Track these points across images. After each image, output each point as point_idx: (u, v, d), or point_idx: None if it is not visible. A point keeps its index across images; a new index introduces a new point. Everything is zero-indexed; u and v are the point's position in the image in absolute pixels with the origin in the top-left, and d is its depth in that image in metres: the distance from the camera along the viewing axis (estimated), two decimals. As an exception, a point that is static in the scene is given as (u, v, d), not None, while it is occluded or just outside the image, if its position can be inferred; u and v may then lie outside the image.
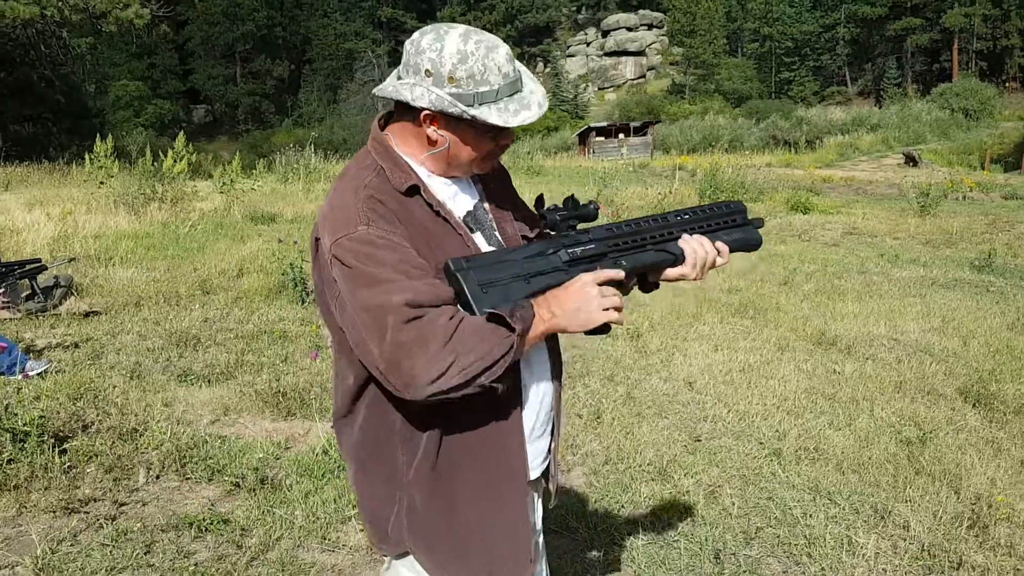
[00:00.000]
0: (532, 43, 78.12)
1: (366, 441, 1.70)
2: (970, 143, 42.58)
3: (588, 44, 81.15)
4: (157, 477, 3.84)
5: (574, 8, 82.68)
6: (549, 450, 1.87)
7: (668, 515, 3.67)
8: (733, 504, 3.79)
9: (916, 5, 62.48)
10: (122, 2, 27.17)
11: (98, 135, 15.53)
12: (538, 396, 1.78)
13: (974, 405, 5.23)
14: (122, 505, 3.60)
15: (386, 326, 1.47)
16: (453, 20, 73.23)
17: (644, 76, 79.24)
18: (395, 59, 71.52)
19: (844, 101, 63.42)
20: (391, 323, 1.47)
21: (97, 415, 4.43)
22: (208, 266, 8.69)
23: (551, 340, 1.80)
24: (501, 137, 1.67)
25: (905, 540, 3.54)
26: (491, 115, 1.58)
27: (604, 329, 1.62)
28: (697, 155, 36.09)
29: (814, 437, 4.59)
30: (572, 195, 1.72)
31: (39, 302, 6.91)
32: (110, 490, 3.71)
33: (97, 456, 3.95)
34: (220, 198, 14.21)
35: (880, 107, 56.34)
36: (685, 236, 1.79)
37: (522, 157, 28.46)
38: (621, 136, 46.24)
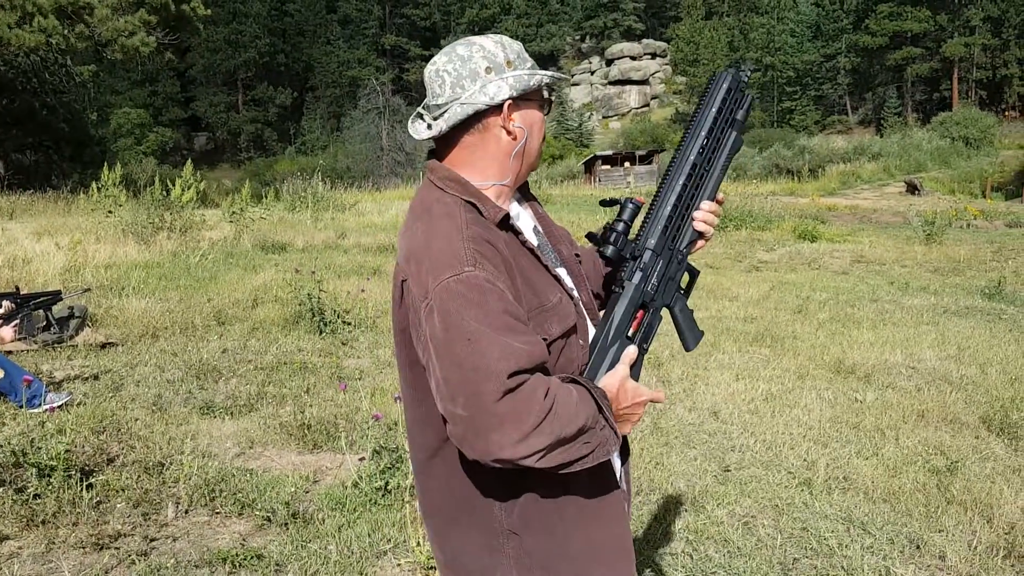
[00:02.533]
0: (536, 72, 78.75)
1: (457, 491, 1.64)
2: (971, 171, 42.73)
3: (592, 73, 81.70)
4: (186, 511, 3.82)
5: (578, 37, 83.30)
6: (623, 468, 1.85)
7: (704, 547, 3.64)
8: (768, 535, 3.77)
9: (916, 35, 62.89)
10: (128, 30, 27.31)
11: (105, 164, 15.60)
12: None
13: (998, 434, 5.21)
14: (152, 540, 3.57)
15: (480, 392, 1.42)
16: (455, 48, 73.94)
17: (648, 105, 79.69)
18: (399, 87, 72.45)
19: (845, 130, 63.71)
20: (487, 391, 1.41)
21: (121, 448, 4.41)
22: (222, 296, 8.69)
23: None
24: (545, 110, 1.74)
25: (943, 571, 3.51)
26: (553, 74, 1.69)
27: None
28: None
29: (843, 467, 4.57)
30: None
31: (55, 333, 6.90)
32: (139, 525, 3.68)
33: (124, 490, 3.92)
34: (229, 227, 14.25)
35: (881, 136, 56.55)
36: (696, 213, 1.81)
37: (529, 185, 28.46)
38: (627, 164, 46.47)
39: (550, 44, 78.26)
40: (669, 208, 1.79)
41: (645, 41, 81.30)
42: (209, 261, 11.32)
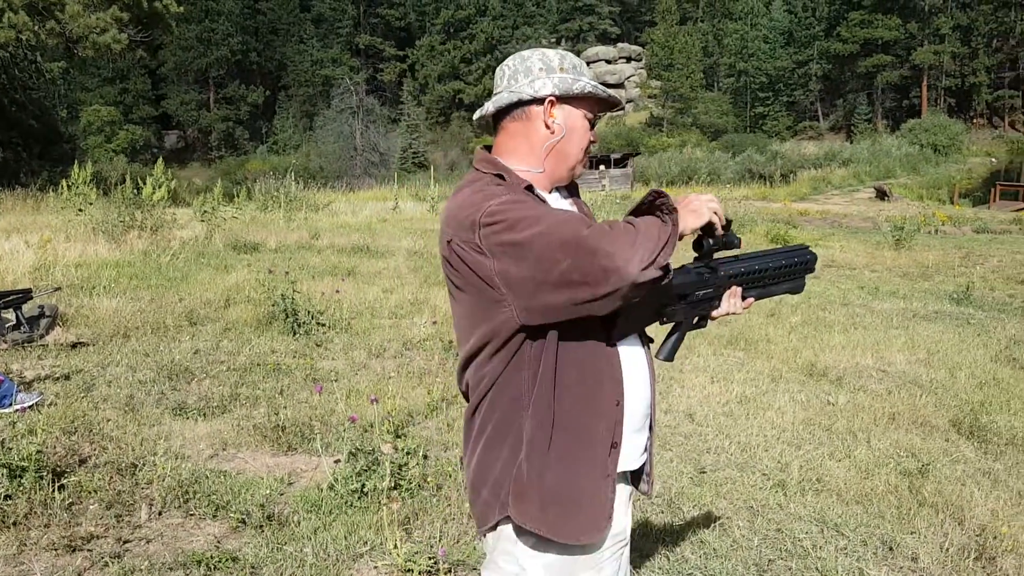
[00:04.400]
0: (510, 74, 78.72)
1: (494, 416, 1.84)
2: (939, 178, 43.38)
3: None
4: (160, 513, 3.78)
5: (554, 40, 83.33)
6: (646, 448, 2.01)
7: (681, 548, 3.66)
8: (743, 536, 3.79)
9: (887, 43, 63.67)
10: (99, 27, 26.99)
11: (76, 161, 15.38)
12: (638, 392, 1.93)
13: (968, 437, 5.28)
14: (126, 542, 3.53)
15: (569, 237, 1.62)
16: (433, 48, 73.54)
17: (623, 108, 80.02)
18: (373, 86, 72.26)
19: (816, 136, 64.40)
20: (575, 233, 1.63)
21: (93, 449, 4.36)
22: (194, 296, 8.61)
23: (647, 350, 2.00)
24: (592, 124, 1.95)
25: (915, 573, 3.55)
26: (597, 90, 1.90)
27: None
28: (676, 187, 36.46)
29: (816, 468, 4.61)
30: (730, 220, 1.91)
31: (24, 332, 6.81)
32: (112, 527, 3.64)
33: (96, 492, 3.87)
34: (200, 226, 14.12)
35: (851, 142, 57.23)
36: (730, 290, 2.01)
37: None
38: (602, 168, 46.53)
39: (526, 46, 78.28)
40: (752, 267, 2.04)
41: (620, 45, 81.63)
42: (180, 260, 11.22)
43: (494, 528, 1.89)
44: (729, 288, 2.00)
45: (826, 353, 7.27)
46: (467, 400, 1.98)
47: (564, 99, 1.89)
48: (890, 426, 5.41)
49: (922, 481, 4.45)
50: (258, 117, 76.47)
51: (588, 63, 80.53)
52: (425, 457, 4.54)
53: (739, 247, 1.94)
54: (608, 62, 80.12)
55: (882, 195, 32.90)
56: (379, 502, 3.80)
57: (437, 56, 73.97)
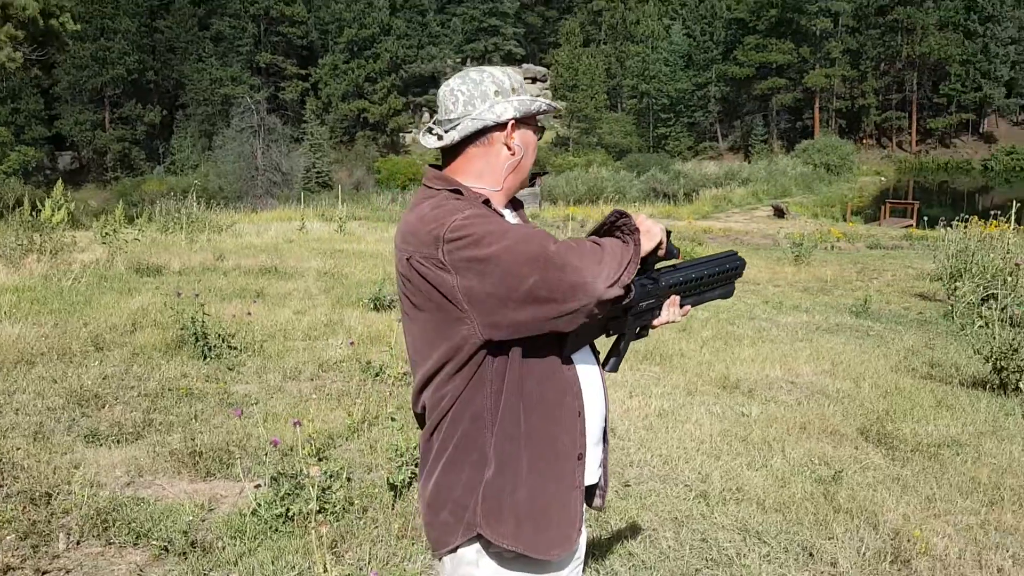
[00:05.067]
0: (418, 93, 78.38)
1: (455, 436, 1.84)
2: (832, 196, 45.12)
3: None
4: (78, 542, 3.64)
5: (459, 60, 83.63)
6: (602, 462, 2.06)
7: (610, 561, 3.70)
8: (670, 547, 3.86)
9: (781, 66, 66.00)
10: (-7, 46, 26.00)
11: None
12: (595, 404, 1.98)
13: (876, 444, 5.49)
14: (44, 573, 3.39)
15: (537, 254, 1.66)
16: (336, 67, 72.84)
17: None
18: (275, 105, 71.18)
19: (716, 156, 66.16)
20: (542, 249, 1.67)
21: (4, 479, 4.17)
22: (99, 320, 8.31)
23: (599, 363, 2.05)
24: (538, 134, 2.04)
25: (835, 576, 3.67)
26: (552, 107, 1.99)
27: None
28: (584, 206, 36.93)
29: (735, 478, 4.73)
30: (669, 231, 2.01)
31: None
32: (29, 557, 3.49)
33: (11, 522, 3.71)
34: (101, 249, 13.65)
35: (749, 162, 58.99)
36: (670, 299, 2.07)
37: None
38: (506, 187, 46.87)
39: (431, 66, 78.24)
40: (690, 275, 2.12)
41: (525, 66, 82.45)
42: (83, 284, 10.82)
43: (453, 551, 1.88)
44: (669, 297, 2.05)
45: (737, 366, 7.47)
46: (421, 423, 1.97)
47: (521, 120, 1.95)
48: (802, 435, 5.58)
49: (836, 488, 4.61)
50: (155, 137, 74.37)
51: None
52: (349, 480, 4.49)
53: (678, 257, 2.04)
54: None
55: (780, 213, 33.97)
56: (305, 526, 3.74)
57: (341, 75, 73.28)
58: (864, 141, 67.89)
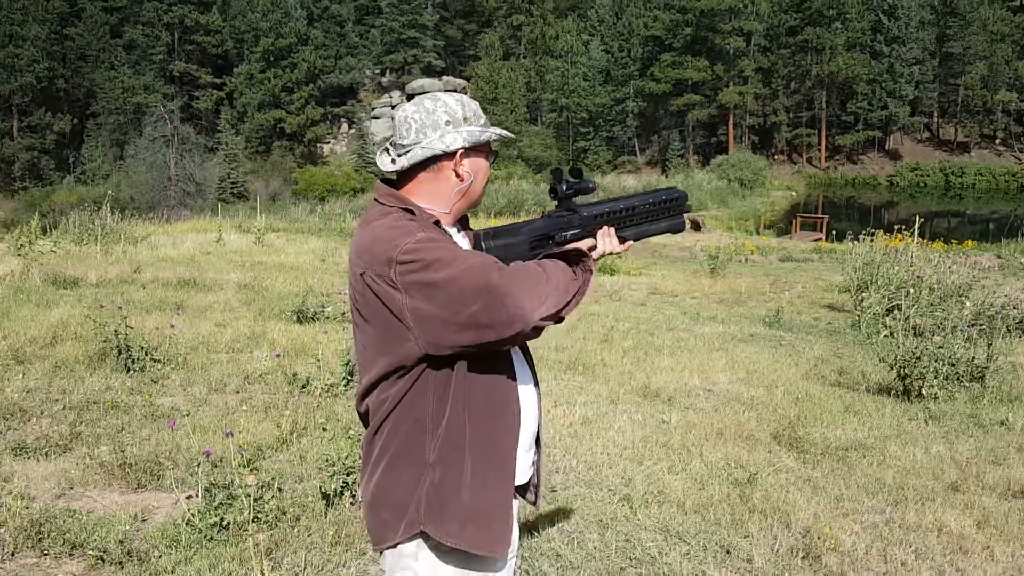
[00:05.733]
0: (336, 103, 77.73)
1: (397, 438, 1.95)
2: (746, 210, 46.39)
3: (393, 107, 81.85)
4: (12, 554, 3.62)
5: (378, 71, 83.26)
6: (533, 462, 2.20)
7: (539, 562, 3.84)
8: (596, 548, 4.02)
9: (696, 83, 67.54)
10: None
11: None
12: (531, 410, 2.10)
13: (788, 448, 5.77)
14: (-25, 587, 3.38)
15: (482, 283, 1.77)
16: (252, 76, 71.76)
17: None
18: (189, 114, 69.77)
19: (634, 170, 67.22)
20: (487, 278, 1.78)
21: (-73, 494, 4.11)
22: (17, 334, 8.13)
23: (534, 375, 2.15)
24: (490, 159, 2.13)
25: (751, 573, 3.88)
26: (501, 132, 2.09)
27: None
28: (504, 217, 37.17)
29: (657, 482, 4.93)
30: (579, 168, 2.13)
31: None
32: (-42, 572, 3.47)
33: (-61, 536, 3.68)
34: (15, 261, 13.28)
35: (666, 176, 60.10)
36: (603, 230, 2.16)
37: (334, 219, 28.21)
38: (428, 200, 46.86)
39: (349, 77, 77.70)
40: (617, 207, 2.18)
41: (445, 78, 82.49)
42: (-4, 297, 10.54)
43: (393, 547, 2.00)
44: (599, 228, 2.16)
45: (657, 375, 7.71)
46: (365, 423, 2.08)
47: (472, 148, 2.05)
48: (719, 440, 5.82)
49: (751, 489, 4.84)
50: (65, 146, 72.11)
51: (413, 95, 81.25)
52: (280, 490, 4.54)
53: (594, 191, 2.16)
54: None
55: (696, 226, 34.75)
56: (240, 535, 3.79)
57: (257, 84, 72.20)
58: (776, 157, 69.91)
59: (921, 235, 14.16)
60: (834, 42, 66.12)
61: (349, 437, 4.56)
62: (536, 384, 2.18)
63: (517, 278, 1.82)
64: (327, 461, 4.49)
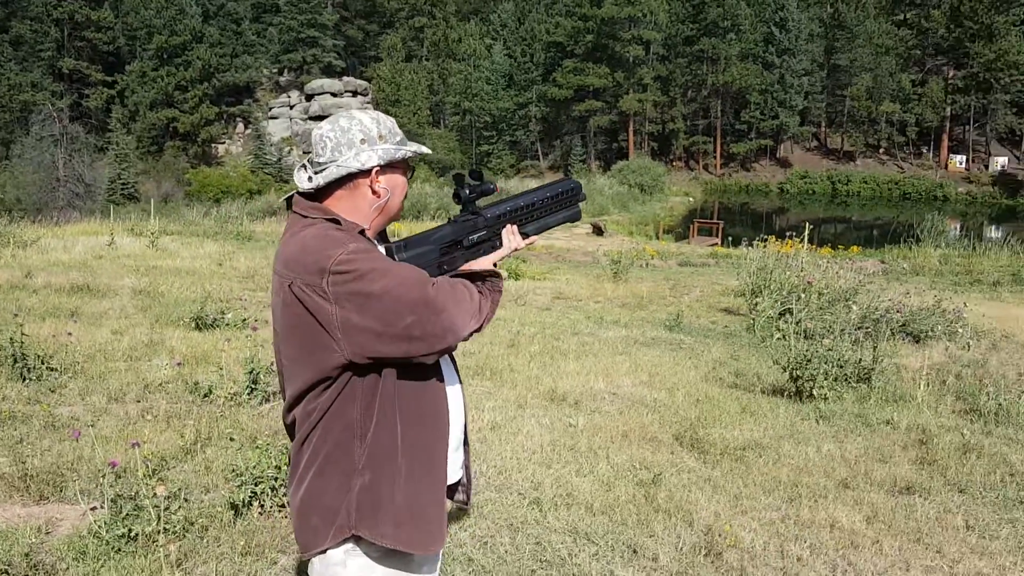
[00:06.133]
0: (232, 103, 76.04)
1: (326, 445, 1.99)
2: (646, 215, 47.40)
3: (292, 107, 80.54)
4: (-94, 575, 3.49)
5: (275, 70, 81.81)
6: (463, 463, 2.30)
7: (451, 568, 3.91)
8: (507, 552, 4.11)
9: (597, 90, 68.60)
10: None
11: None
12: (458, 411, 2.19)
13: (689, 449, 5.97)
14: None
15: (416, 298, 1.86)
16: (145, 74, 69.63)
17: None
18: (78, 113, 67.24)
19: (537, 174, 67.88)
20: (421, 293, 1.87)
21: None
22: (-102, 342, 7.76)
23: (459, 374, 2.26)
24: (407, 174, 2.19)
25: (656, 571, 4.03)
26: (416, 148, 2.15)
27: None
28: (408, 221, 37.01)
29: (565, 485, 5.05)
30: (478, 171, 2.20)
31: None
32: None
33: None
34: None
35: (569, 180, 60.83)
36: (506, 229, 2.26)
37: (230, 222, 27.61)
38: (329, 203, 46.24)
39: (246, 75, 76.09)
40: (518, 204, 2.28)
41: (346, 79, 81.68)
42: None
43: (323, 552, 2.04)
44: (503, 228, 2.26)
45: (563, 379, 7.86)
46: (291, 434, 2.12)
47: (387, 165, 2.10)
48: (624, 443, 5.99)
49: (655, 490, 5.01)
50: (-55, 145, 68.69)
51: (313, 96, 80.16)
52: (187, 500, 4.49)
53: (496, 192, 2.26)
54: (334, 95, 79.88)
55: (598, 231, 35.30)
56: (148, 546, 3.74)
57: (149, 82, 70.07)
58: (674, 163, 71.66)
59: (810, 241, 14.75)
60: (728, 52, 68.16)
61: (257, 447, 4.54)
62: (460, 382, 2.26)
63: (449, 293, 1.91)
64: (234, 471, 4.47)
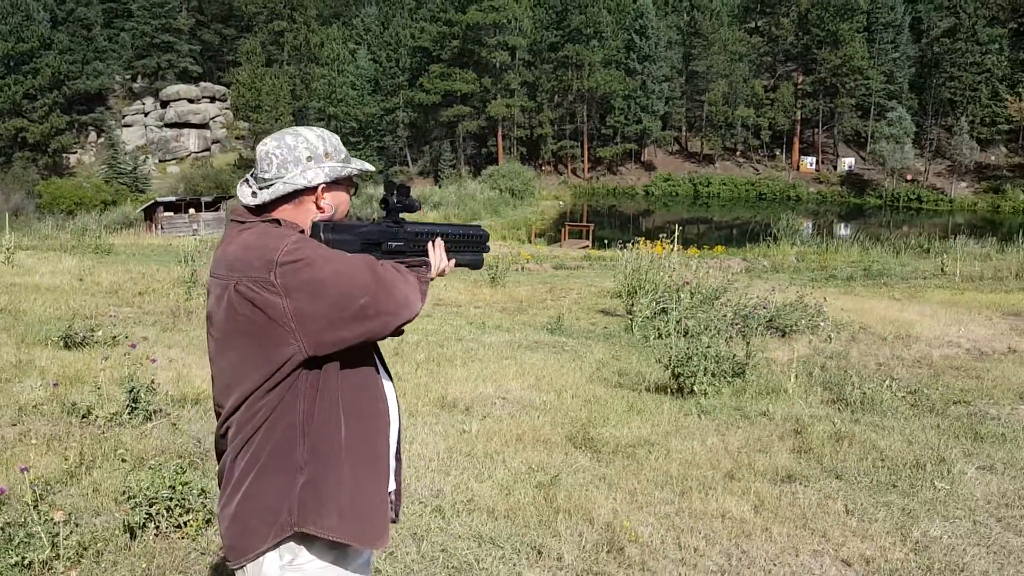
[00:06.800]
0: (83, 111, 72.61)
1: (268, 445, 1.98)
2: (518, 219, 47.97)
3: (146, 115, 77.53)
4: None
5: (129, 76, 78.59)
6: (396, 470, 2.28)
7: (362, 579, 3.86)
8: (413, 561, 4.10)
9: (465, 95, 68.84)
10: None
11: None
12: (394, 412, 2.20)
13: (582, 449, 6.08)
14: None
15: (368, 278, 1.92)
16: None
17: (209, 149, 77.40)
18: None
19: (407, 180, 67.59)
20: (372, 273, 1.93)
21: None
22: None
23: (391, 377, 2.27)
24: (349, 190, 2.22)
25: (562, 570, 4.10)
26: (361, 166, 2.19)
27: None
28: (275, 231, 36.25)
29: (465, 491, 5.07)
30: (408, 187, 2.26)
31: None
32: None
33: None
34: None
35: (440, 186, 60.96)
36: (431, 244, 2.30)
37: (88, 235, 26.35)
38: (192, 211, 44.78)
39: (98, 83, 72.84)
40: (435, 229, 2.34)
41: (203, 84, 79.31)
42: None
43: (256, 558, 2.00)
44: (421, 243, 2.28)
45: (452, 386, 7.86)
46: (219, 451, 2.07)
47: (332, 182, 2.12)
48: (519, 446, 6.05)
49: (554, 491, 5.09)
50: None
51: (169, 102, 77.41)
52: (77, 524, 4.29)
53: (420, 210, 2.33)
54: (191, 101, 77.38)
55: (471, 236, 35.49)
56: (45, 574, 3.56)
57: (-5, 91, 66.36)
58: (543, 168, 72.66)
59: (681, 243, 15.25)
60: (592, 59, 69.62)
61: (150, 468, 4.38)
62: (395, 388, 2.27)
63: (396, 273, 1.98)
64: (124, 493, 4.30)
